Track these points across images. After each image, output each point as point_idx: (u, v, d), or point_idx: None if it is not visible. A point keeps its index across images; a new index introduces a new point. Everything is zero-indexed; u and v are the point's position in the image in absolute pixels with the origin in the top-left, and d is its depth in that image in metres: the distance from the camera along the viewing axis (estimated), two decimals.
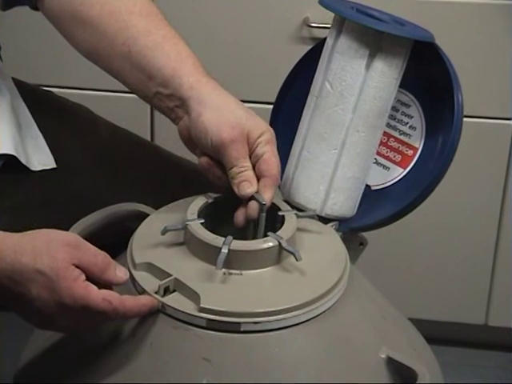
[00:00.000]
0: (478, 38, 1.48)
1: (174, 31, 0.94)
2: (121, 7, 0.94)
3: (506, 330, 1.69)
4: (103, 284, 0.77)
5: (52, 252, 0.75)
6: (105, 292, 0.76)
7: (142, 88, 0.93)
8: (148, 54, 0.91)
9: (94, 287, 0.76)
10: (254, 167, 0.88)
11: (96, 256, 0.78)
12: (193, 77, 0.89)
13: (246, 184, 0.86)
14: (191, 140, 0.90)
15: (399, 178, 0.95)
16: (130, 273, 0.81)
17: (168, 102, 0.91)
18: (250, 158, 0.88)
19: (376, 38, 0.89)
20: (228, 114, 0.87)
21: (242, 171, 0.87)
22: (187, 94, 0.89)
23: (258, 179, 0.87)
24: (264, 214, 0.87)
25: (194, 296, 0.78)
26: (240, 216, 0.87)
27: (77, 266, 0.76)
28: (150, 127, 1.59)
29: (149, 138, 1.57)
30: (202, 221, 0.84)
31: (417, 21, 0.94)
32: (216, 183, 0.90)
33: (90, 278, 0.77)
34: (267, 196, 0.86)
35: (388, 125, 0.95)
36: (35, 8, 1.01)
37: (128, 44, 0.92)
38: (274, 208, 0.88)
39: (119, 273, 0.79)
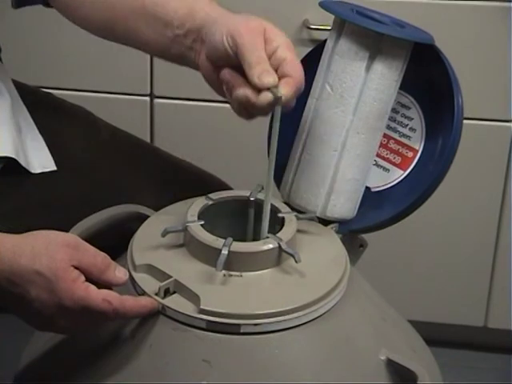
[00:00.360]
0: (478, 39, 1.48)
1: None
2: None
3: (506, 332, 1.69)
4: (103, 285, 0.77)
5: (51, 253, 0.75)
6: (105, 292, 0.76)
7: (160, 39, 0.91)
8: (160, 2, 0.90)
9: (94, 288, 0.76)
10: (276, 71, 0.83)
11: (95, 257, 0.78)
12: (208, 7, 0.89)
13: (267, 74, 0.81)
14: (214, 73, 0.88)
15: (399, 179, 0.95)
16: (130, 274, 0.81)
17: (186, 40, 0.89)
18: (270, 60, 0.83)
19: (376, 40, 0.89)
20: (245, 18, 0.85)
21: (261, 62, 0.82)
22: (203, 21, 0.87)
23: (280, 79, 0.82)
24: (279, 109, 0.82)
25: (194, 298, 0.78)
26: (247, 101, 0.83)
27: (76, 267, 0.76)
28: (149, 129, 1.59)
29: (148, 140, 1.57)
30: (202, 222, 0.84)
31: (417, 23, 0.94)
32: (240, 100, 0.85)
33: (90, 279, 0.77)
34: (286, 90, 0.81)
35: (388, 127, 0.95)
36: (47, 4, 1.00)
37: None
38: (273, 210, 0.88)
39: (119, 273, 0.79)
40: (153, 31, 0.92)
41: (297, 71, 0.83)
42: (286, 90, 0.81)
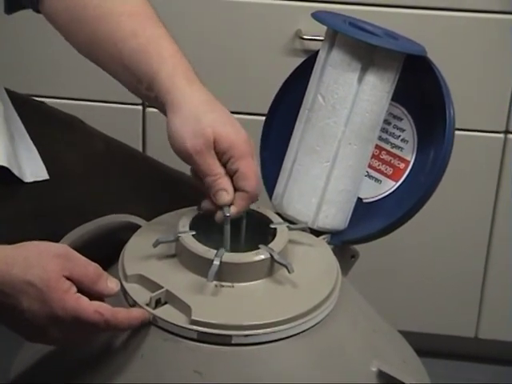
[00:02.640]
0: (470, 50, 1.49)
1: (162, 30, 0.93)
2: (112, 8, 0.93)
3: (497, 343, 1.69)
4: (94, 295, 0.77)
5: (43, 263, 0.75)
6: (96, 304, 0.76)
7: (135, 91, 0.93)
8: (135, 58, 0.90)
9: (86, 299, 0.76)
10: (231, 180, 0.86)
11: (87, 267, 0.77)
12: (169, 80, 0.88)
13: (223, 194, 0.85)
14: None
15: (391, 191, 0.95)
16: (122, 284, 0.81)
17: (156, 104, 0.90)
18: (225, 168, 0.86)
19: (368, 51, 0.89)
20: (193, 122, 0.85)
21: (216, 179, 0.85)
22: (165, 98, 0.88)
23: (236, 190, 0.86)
24: (228, 227, 0.85)
25: (185, 308, 0.78)
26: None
27: (68, 278, 0.76)
28: (141, 138, 1.59)
29: (140, 149, 1.57)
30: (194, 233, 0.84)
31: (410, 34, 0.95)
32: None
33: (81, 290, 0.76)
34: (235, 209, 0.86)
35: (380, 138, 0.95)
36: (37, 11, 1.01)
37: (119, 47, 0.91)
38: (265, 220, 0.88)
39: (110, 284, 0.78)
40: (129, 83, 0.93)
41: (251, 185, 0.86)
42: (235, 209, 0.86)
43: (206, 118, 0.86)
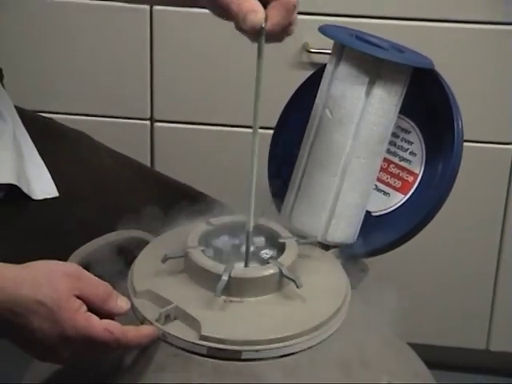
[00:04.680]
0: (477, 62, 1.49)
1: None
2: None
3: (508, 355, 1.69)
4: (104, 314, 0.77)
5: (53, 283, 0.75)
6: (106, 322, 0.76)
7: None
8: None
9: (96, 318, 0.76)
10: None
11: (97, 286, 0.78)
12: None
13: (252, 14, 0.77)
14: None
15: (400, 204, 0.95)
16: (131, 300, 0.81)
17: None
18: None
19: (376, 64, 0.89)
20: None
21: (241, 3, 0.77)
22: None
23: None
24: (263, 39, 0.78)
25: (194, 324, 0.78)
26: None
27: (78, 297, 0.76)
28: (150, 153, 1.59)
29: (149, 164, 1.57)
30: (203, 248, 0.84)
31: (417, 46, 0.95)
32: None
33: (91, 309, 0.77)
34: (270, 21, 0.77)
35: (388, 151, 0.95)
36: None
37: None
38: (274, 235, 0.88)
39: (120, 303, 0.79)
40: None
41: None
42: (273, 17, 0.78)
43: None
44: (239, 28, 0.80)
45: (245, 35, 0.81)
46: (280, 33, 0.81)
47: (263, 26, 0.78)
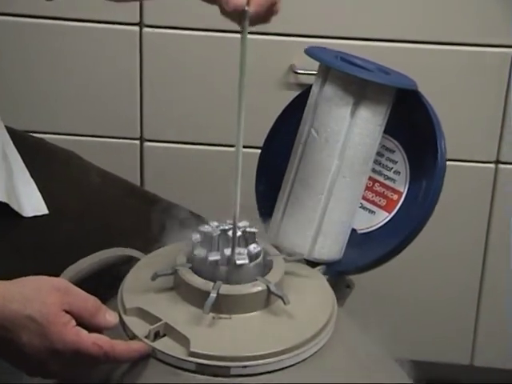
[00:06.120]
0: (461, 82, 1.51)
1: None
2: None
3: (492, 371, 1.69)
4: (93, 328, 0.78)
5: (42, 298, 0.76)
6: (95, 336, 0.76)
7: None
8: None
9: (85, 332, 0.76)
10: None
11: (86, 300, 0.78)
12: None
13: None
14: None
15: (384, 222, 0.96)
16: (121, 317, 0.82)
17: None
18: None
19: (360, 86, 0.90)
20: None
21: None
22: None
23: None
24: (247, 23, 0.78)
25: (183, 340, 0.79)
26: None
27: (67, 311, 0.76)
28: (139, 172, 1.60)
29: (139, 183, 1.58)
30: (191, 266, 0.85)
31: (401, 68, 0.96)
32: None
33: (80, 323, 0.77)
34: (253, 7, 0.77)
35: (373, 170, 0.97)
36: None
37: None
38: (262, 252, 0.89)
39: (109, 317, 0.79)
40: None
41: None
42: (255, 2, 0.78)
43: None
44: (223, 11, 0.80)
45: (230, 19, 0.81)
46: (265, 13, 0.82)
47: (246, 9, 0.78)
